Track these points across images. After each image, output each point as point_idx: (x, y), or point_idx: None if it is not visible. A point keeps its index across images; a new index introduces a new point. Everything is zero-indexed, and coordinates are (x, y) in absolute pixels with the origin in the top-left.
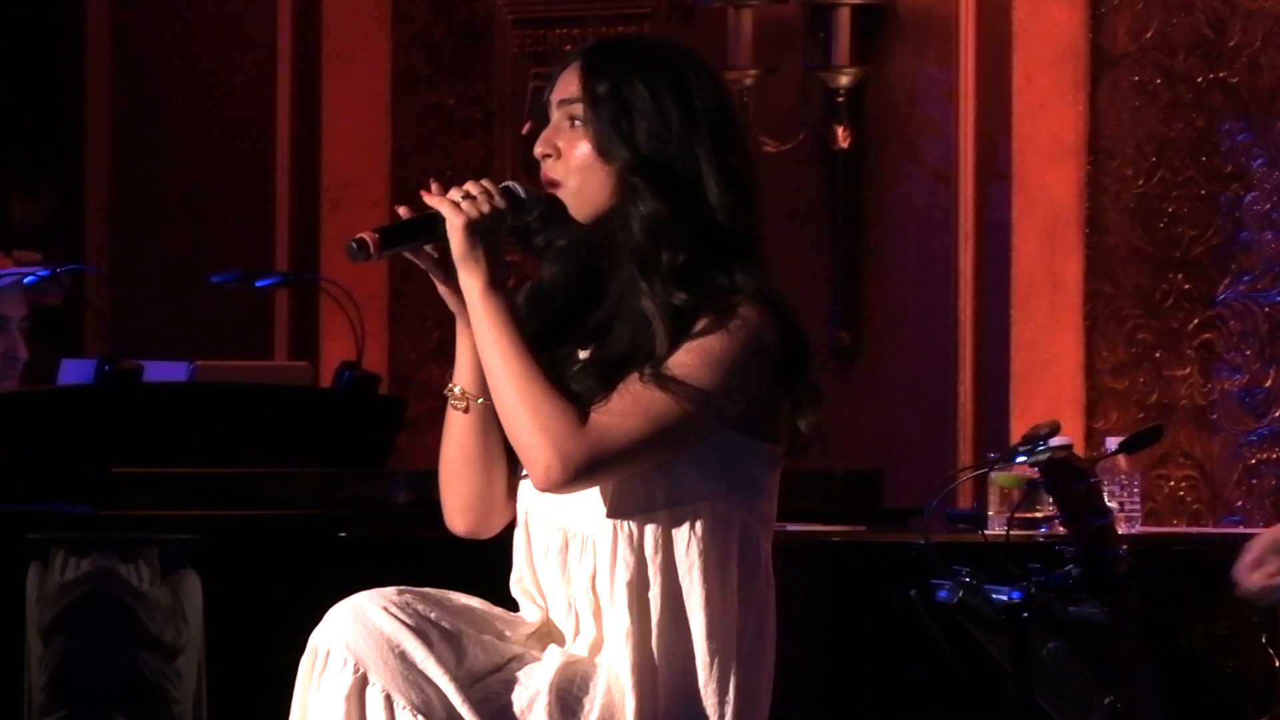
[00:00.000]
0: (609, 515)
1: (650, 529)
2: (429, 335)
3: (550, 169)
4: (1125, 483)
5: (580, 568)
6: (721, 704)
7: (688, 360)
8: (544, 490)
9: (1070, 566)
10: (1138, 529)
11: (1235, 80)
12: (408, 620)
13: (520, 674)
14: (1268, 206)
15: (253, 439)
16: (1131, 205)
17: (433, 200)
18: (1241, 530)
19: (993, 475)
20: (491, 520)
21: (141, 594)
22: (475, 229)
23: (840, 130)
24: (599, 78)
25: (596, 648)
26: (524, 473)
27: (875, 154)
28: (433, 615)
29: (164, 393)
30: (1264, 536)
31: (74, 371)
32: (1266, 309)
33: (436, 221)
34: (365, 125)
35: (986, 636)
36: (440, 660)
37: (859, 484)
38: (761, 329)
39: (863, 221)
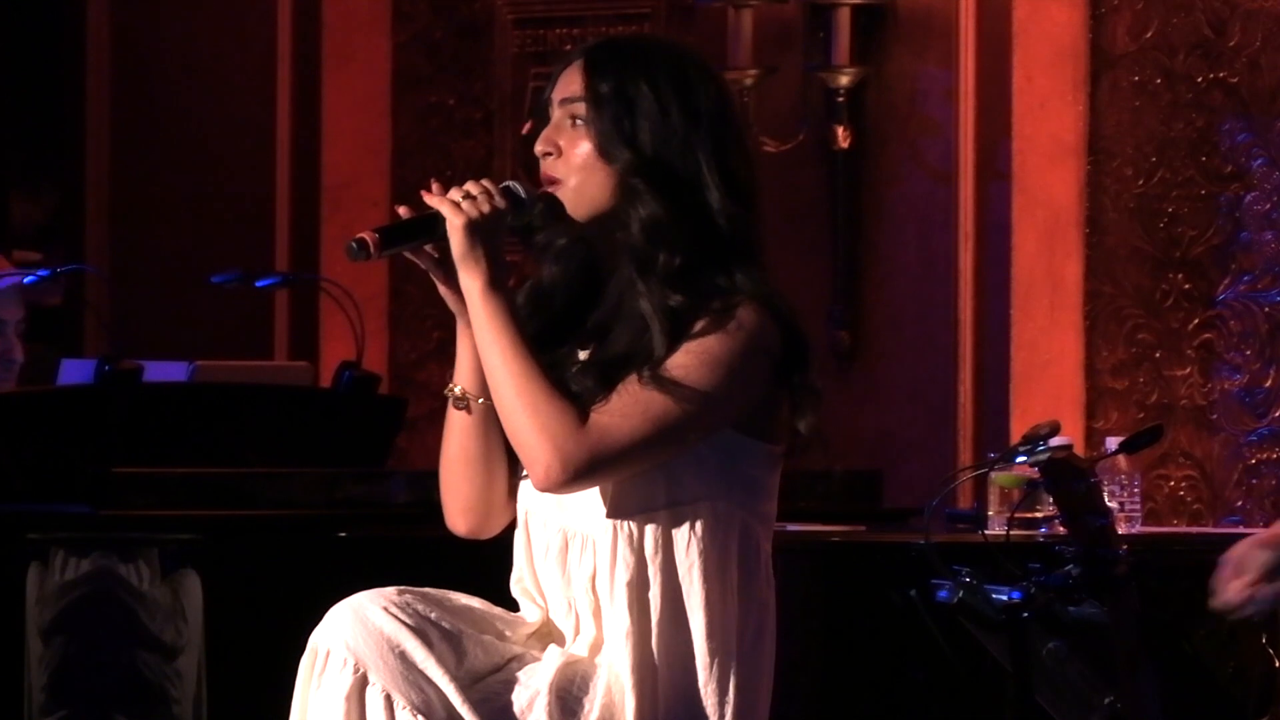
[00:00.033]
0: (609, 515)
1: (650, 529)
2: (429, 335)
3: (550, 167)
4: (1125, 483)
5: (580, 568)
6: (721, 704)
7: (687, 361)
8: (544, 490)
9: (1070, 566)
10: (1138, 529)
11: (1235, 80)
12: (408, 620)
13: (520, 674)
14: (1268, 206)
15: (253, 439)
16: (1131, 205)
17: (433, 200)
18: (1241, 530)
19: (993, 475)
20: (492, 520)
21: (141, 594)
22: (475, 229)
23: (840, 130)
24: (601, 77)
25: (596, 648)
26: (524, 473)
27: (875, 154)
28: (433, 615)
29: (164, 393)
30: (1239, 547)
31: (74, 371)
32: (1266, 309)
33: (437, 221)
34: (365, 125)
35: (986, 636)
36: (440, 660)
37: (859, 484)
38: (761, 329)
39: (863, 221)
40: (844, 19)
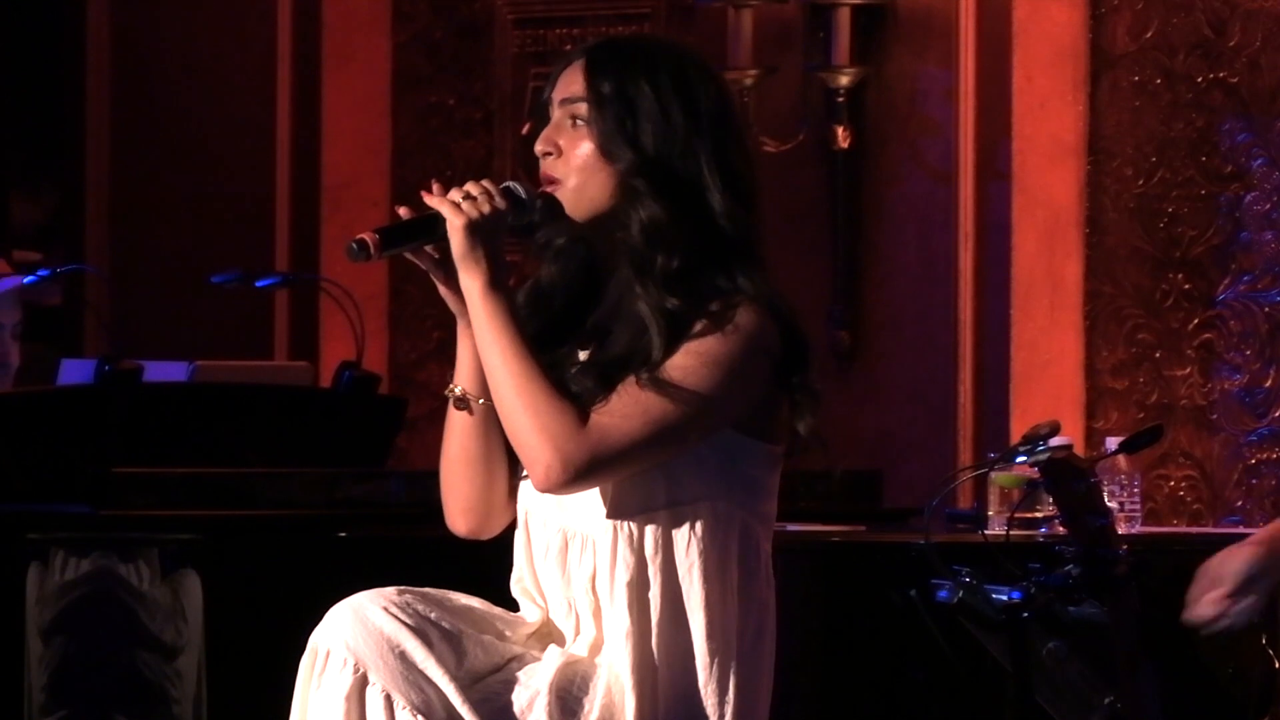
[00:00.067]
0: (609, 515)
1: (650, 529)
2: (429, 335)
3: (550, 167)
4: (1125, 483)
5: (580, 568)
6: (721, 704)
7: (687, 362)
8: (544, 491)
9: (1070, 566)
10: (1138, 529)
11: (1235, 80)
12: (408, 620)
13: (520, 674)
14: (1268, 206)
15: (253, 439)
16: (1131, 205)
17: (433, 200)
18: (1241, 530)
19: (993, 475)
20: (492, 521)
21: (141, 594)
22: (475, 229)
23: (840, 130)
24: (603, 77)
25: (596, 648)
26: (524, 473)
27: (875, 154)
28: (433, 615)
29: (164, 393)
30: (1215, 558)
31: (74, 371)
32: (1266, 309)
33: (437, 222)
34: (365, 125)
35: (986, 636)
36: (440, 660)
37: (859, 484)
38: (761, 329)
39: (863, 221)
40: (844, 19)
